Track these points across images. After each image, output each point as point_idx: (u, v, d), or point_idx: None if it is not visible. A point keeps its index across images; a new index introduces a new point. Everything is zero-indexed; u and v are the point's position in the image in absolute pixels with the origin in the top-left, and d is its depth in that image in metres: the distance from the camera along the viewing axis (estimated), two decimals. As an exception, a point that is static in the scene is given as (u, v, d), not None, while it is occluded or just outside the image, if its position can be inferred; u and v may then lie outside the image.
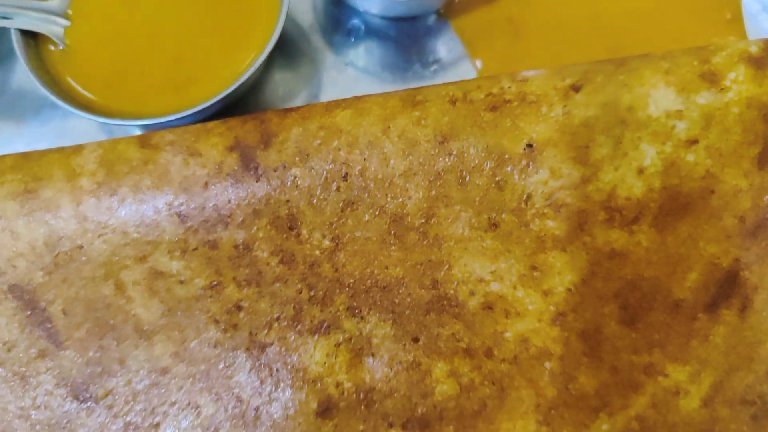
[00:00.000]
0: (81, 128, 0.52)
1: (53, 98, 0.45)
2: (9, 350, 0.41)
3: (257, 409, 0.41)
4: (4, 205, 0.40)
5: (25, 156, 0.42)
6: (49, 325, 0.41)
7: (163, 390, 0.41)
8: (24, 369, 0.41)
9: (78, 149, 0.42)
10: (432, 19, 0.53)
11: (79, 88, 0.47)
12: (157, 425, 0.41)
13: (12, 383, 0.42)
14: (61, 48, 0.48)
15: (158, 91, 0.47)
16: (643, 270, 0.40)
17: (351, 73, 0.53)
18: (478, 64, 0.52)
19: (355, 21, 0.53)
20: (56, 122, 0.53)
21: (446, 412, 0.41)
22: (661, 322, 0.41)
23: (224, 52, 0.48)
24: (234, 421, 0.41)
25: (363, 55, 0.53)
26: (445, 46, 0.53)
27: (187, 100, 0.47)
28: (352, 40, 0.53)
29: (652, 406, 0.41)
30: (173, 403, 0.41)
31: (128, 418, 0.41)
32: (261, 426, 0.41)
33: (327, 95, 0.52)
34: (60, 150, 0.42)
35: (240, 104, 0.51)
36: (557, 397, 0.41)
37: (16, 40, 0.46)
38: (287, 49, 0.53)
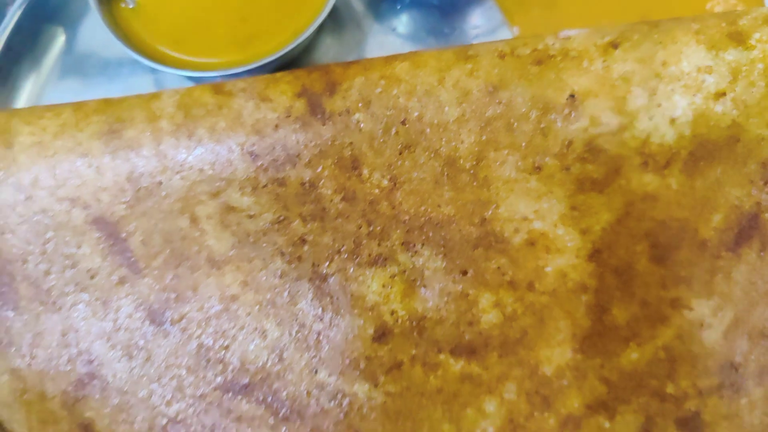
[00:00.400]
0: (144, 85, 0.56)
1: (127, 51, 0.49)
2: (92, 277, 0.45)
3: (319, 333, 0.45)
4: (90, 144, 0.44)
5: (107, 101, 0.46)
6: (129, 255, 0.45)
7: (233, 315, 0.45)
8: (106, 294, 0.45)
9: (156, 95, 0.46)
10: (472, -11, 0.57)
11: (149, 44, 0.51)
12: (227, 347, 0.45)
13: (94, 307, 0.45)
14: (132, 6, 0.52)
15: (223, 47, 0.51)
16: (673, 211, 0.44)
17: (396, 38, 0.57)
18: (516, 31, 0.56)
19: (402, -10, 0.57)
20: (121, 79, 0.57)
21: (491, 340, 0.45)
22: (688, 260, 0.45)
23: (284, 13, 0.52)
24: (297, 344, 0.45)
25: (407, 21, 0.57)
26: (484, 15, 0.57)
27: (250, 56, 0.51)
28: (398, 7, 0.57)
29: (677, 337, 0.45)
30: (242, 327, 0.45)
31: (200, 341, 0.45)
32: (322, 349, 0.45)
33: (374, 58, 0.56)
34: (139, 96, 0.46)
35: (293, 64, 0.55)
36: (591, 327, 0.45)
37: (91, -2, 0.50)
38: (336, 15, 0.57)
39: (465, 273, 0.45)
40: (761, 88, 0.43)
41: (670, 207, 0.44)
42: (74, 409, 0.46)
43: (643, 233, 0.45)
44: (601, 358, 0.45)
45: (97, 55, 0.57)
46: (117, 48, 0.55)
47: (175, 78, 0.56)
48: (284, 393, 0.45)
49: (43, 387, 0.46)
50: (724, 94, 0.43)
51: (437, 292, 0.45)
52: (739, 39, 0.43)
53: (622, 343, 0.45)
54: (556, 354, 0.45)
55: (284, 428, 0.45)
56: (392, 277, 0.45)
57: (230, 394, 0.45)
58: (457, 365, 0.45)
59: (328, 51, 0.56)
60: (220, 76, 0.49)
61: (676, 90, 0.43)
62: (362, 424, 0.45)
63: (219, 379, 0.45)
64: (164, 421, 0.45)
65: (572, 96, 0.43)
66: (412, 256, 0.45)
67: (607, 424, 0.45)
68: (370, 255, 0.45)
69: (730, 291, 0.45)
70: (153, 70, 0.56)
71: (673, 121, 0.43)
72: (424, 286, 0.45)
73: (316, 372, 0.45)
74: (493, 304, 0.45)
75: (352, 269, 0.45)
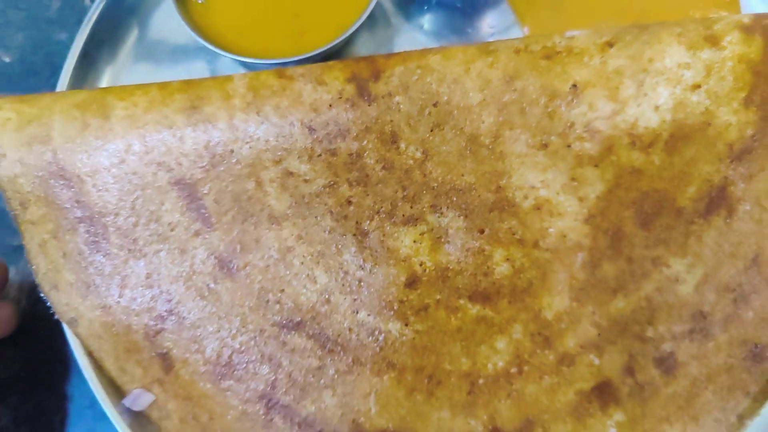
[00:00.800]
0: (202, 70, 0.65)
1: (199, 40, 0.58)
2: (172, 230, 0.54)
3: (360, 280, 0.54)
4: (175, 117, 0.53)
5: (187, 82, 0.55)
6: (204, 211, 0.54)
7: (288, 264, 0.54)
8: (183, 244, 0.54)
9: (228, 78, 0.54)
10: (489, -7, 0.66)
11: (216, 34, 0.60)
12: (283, 290, 0.54)
13: (173, 255, 0.54)
14: (201, 2, 0.61)
15: (278, 39, 0.60)
16: (655, 183, 0.53)
17: (422, 35, 0.66)
18: (526, 30, 0.65)
19: (429, -6, 0.66)
20: (184, 64, 0.66)
21: (502, 288, 0.54)
22: (666, 225, 0.54)
23: (330, 11, 0.61)
24: (341, 289, 0.54)
25: (433, 20, 0.66)
26: (499, 16, 0.66)
27: (301, 47, 0.60)
28: (425, 8, 0.66)
29: (657, 289, 0.54)
30: (296, 274, 0.54)
31: (261, 285, 0.54)
32: (362, 293, 0.54)
33: (404, 52, 0.65)
34: (214, 78, 0.55)
35: (336, 55, 0.64)
36: (585, 280, 0.54)
37: (172, -4, 0.59)
38: (371, 14, 0.66)
39: (482, 232, 0.54)
40: (729, 82, 0.52)
41: (653, 180, 0.53)
42: (155, 341, 0.55)
43: (630, 201, 0.54)
44: (593, 306, 0.54)
45: (165, 43, 0.66)
46: (182, 37, 0.64)
47: (229, 65, 0.65)
48: (330, 330, 0.54)
49: (128, 321, 0.55)
50: (699, 86, 0.52)
51: (459, 248, 0.54)
52: (713, 41, 0.52)
53: (611, 293, 0.54)
54: (556, 302, 0.54)
55: (329, 359, 0.54)
56: (422, 234, 0.54)
57: (285, 330, 0.54)
58: (473, 309, 0.54)
59: (365, 45, 0.65)
60: (275, 64, 0.58)
61: (659, 82, 0.52)
62: (394, 356, 0.54)
63: (276, 317, 0.54)
64: (230, 351, 0.54)
65: (574, 86, 0.53)
66: (438, 217, 0.54)
67: (597, 361, 0.54)
68: (404, 215, 0.54)
69: (701, 251, 0.54)
70: (213, 57, 0.65)
71: (656, 108, 0.52)
72: (448, 243, 0.54)
73: (356, 312, 0.54)
74: (505, 258, 0.54)
75: (388, 227, 0.54)
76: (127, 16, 0.65)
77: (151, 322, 0.54)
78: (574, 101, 0.52)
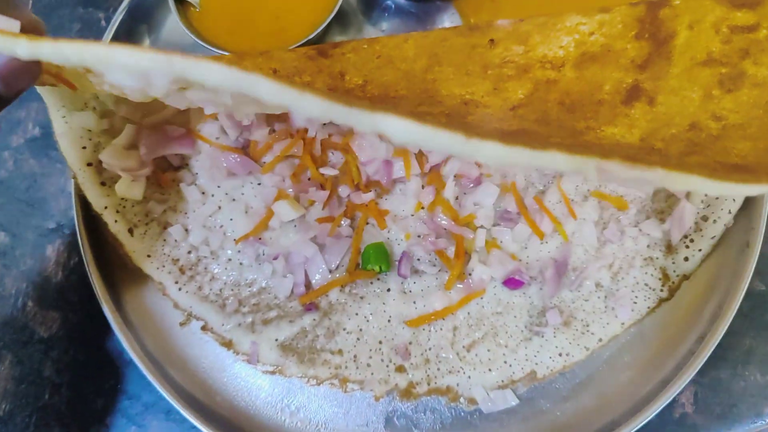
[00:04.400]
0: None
1: (196, 40, 0.72)
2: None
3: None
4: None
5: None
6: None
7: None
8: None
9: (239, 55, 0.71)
10: (439, 1, 0.80)
11: (211, 35, 0.74)
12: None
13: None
14: (197, 10, 0.76)
15: (262, 37, 0.73)
16: (571, 87, 0.58)
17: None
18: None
19: (388, 2, 0.80)
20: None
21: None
22: (591, 110, 0.56)
23: (304, 13, 0.74)
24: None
25: (392, 24, 0.79)
26: (448, 19, 0.78)
27: (281, 43, 0.72)
28: (386, 15, 0.80)
29: (598, 138, 0.53)
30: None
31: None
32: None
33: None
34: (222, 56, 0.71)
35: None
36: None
37: (171, 5, 0.74)
38: (343, 20, 0.78)
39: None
40: (620, 27, 0.62)
41: (569, 85, 0.59)
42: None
43: (551, 99, 0.58)
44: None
45: (174, 43, 0.79)
46: (187, 38, 0.75)
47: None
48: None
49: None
50: (593, 33, 0.62)
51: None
52: (605, 10, 0.64)
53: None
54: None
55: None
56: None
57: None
58: None
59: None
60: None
61: (561, 34, 0.63)
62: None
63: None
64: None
65: (492, 40, 0.65)
66: (373, 114, 0.59)
67: None
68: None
69: (634, 123, 0.54)
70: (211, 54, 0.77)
71: (561, 47, 0.62)
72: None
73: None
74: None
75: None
76: (139, 25, 0.81)
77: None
78: (493, 47, 0.64)
